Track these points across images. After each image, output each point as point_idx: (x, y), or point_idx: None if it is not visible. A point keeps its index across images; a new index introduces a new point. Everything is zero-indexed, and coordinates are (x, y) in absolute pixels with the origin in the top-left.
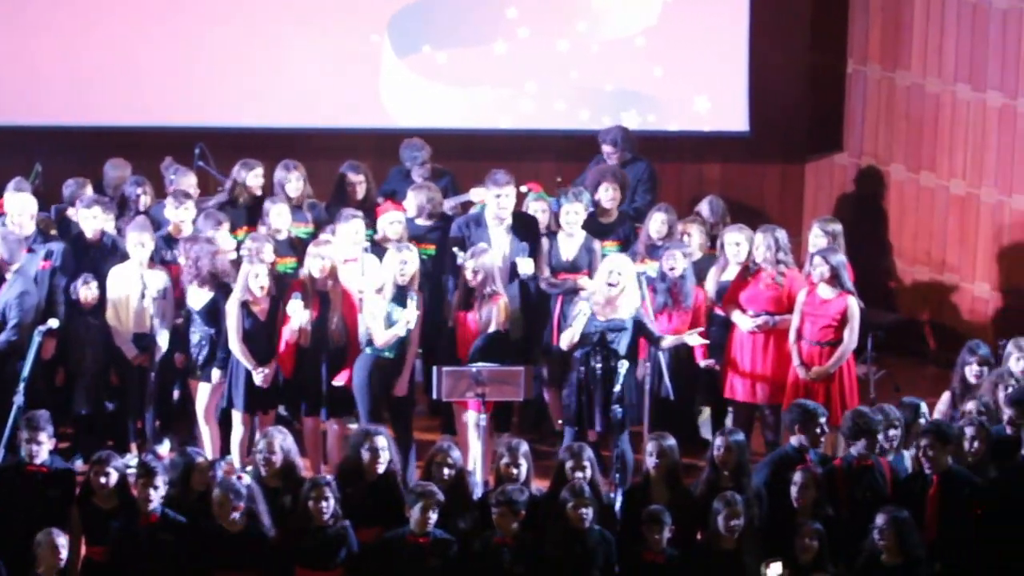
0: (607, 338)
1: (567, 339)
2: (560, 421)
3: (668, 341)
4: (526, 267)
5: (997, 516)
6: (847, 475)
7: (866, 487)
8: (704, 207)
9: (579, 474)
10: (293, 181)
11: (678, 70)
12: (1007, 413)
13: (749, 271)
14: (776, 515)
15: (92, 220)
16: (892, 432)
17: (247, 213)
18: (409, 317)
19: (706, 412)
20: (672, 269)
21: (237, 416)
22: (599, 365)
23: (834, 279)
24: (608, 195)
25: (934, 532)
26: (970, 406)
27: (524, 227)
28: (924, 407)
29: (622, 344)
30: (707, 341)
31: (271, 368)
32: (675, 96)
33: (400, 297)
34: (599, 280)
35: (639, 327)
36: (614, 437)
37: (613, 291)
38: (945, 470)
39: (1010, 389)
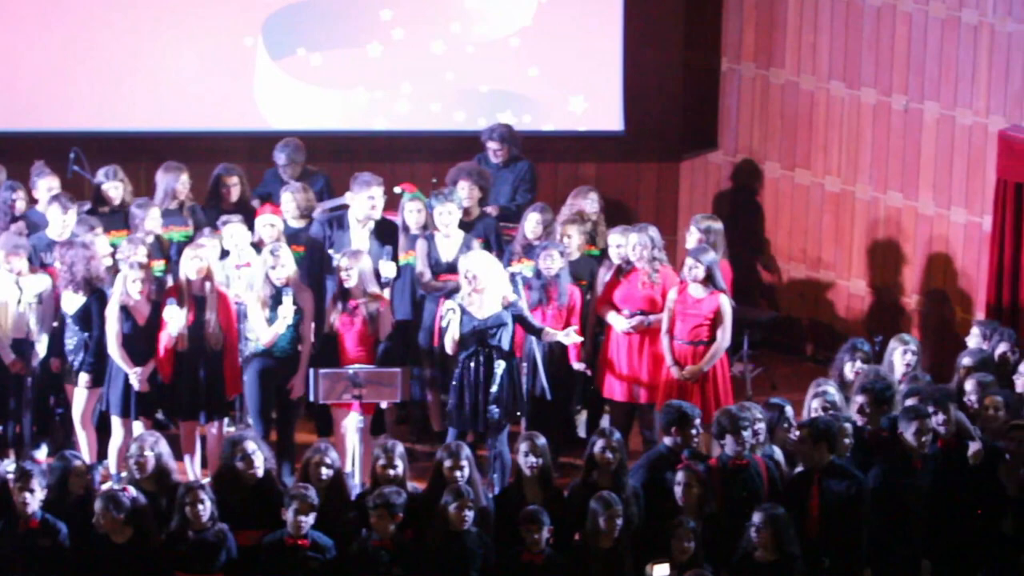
0: (487, 336)
1: (449, 343)
2: (441, 422)
3: (548, 335)
4: (388, 270)
5: (878, 509)
6: (723, 474)
7: (742, 486)
8: (583, 202)
9: (457, 473)
10: (182, 184)
11: (553, 70)
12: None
13: (623, 270)
14: (653, 515)
15: None
16: (757, 427)
17: (121, 217)
18: (286, 313)
19: (584, 412)
20: (548, 268)
21: (116, 421)
22: (479, 365)
23: (707, 279)
24: (466, 193)
25: (817, 528)
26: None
27: (385, 231)
28: (790, 409)
29: (504, 340)
30: (581, 339)
31: (146, 370)
32: (550, 96)
33: (275, 296)
34: (460, 283)
35: (519, 320)
36: (491, 437)
37: (477, 290)
38: (827, 465)
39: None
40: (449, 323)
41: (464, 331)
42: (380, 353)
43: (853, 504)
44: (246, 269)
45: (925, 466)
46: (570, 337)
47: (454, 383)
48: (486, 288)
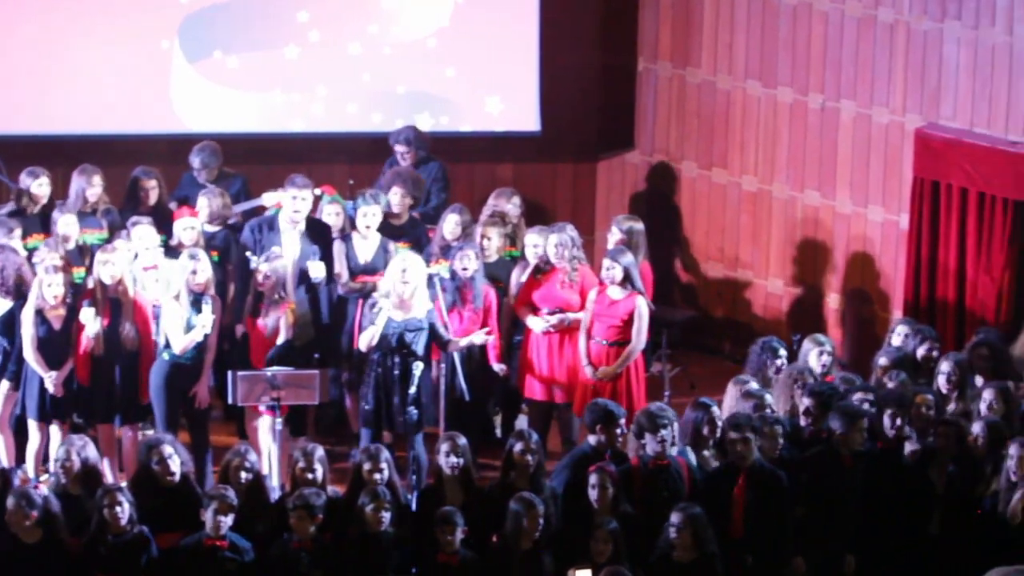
0: (405, 339)
1: (366, 339)
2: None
3: (456, 344)
4: (317, 271)
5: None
6: (644, 474)
7: (663, 486)
8: (505, 204)
9: (377, 476)
10: (94, 187)
11: (470, 71)
12: (805, 404)
13: (541, 270)
14: (573, 515)
15: None
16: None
17: (39, 221)
18: (205, 322)
19: (500, 413)
20: (464, 269)
21: (32, 425)
22: (396, 366)
23: (625, 280)
24: (397, 199)
25: (742, 527)
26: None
27: (316, 232)
28: (716, 409)
29: (420, 344)
30: (490, 338)
31: (61, 374)
32: (468, 97)
33: (195, 302)
34: (391, 279)
35: (431, 329)
36: (409, 438)
37: (406, 290)
38: (751, 464)
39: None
40: (378, 318)
41: (385, 331)
42: (274, 353)
43: (776, 501)
44: (153, 271)
45: (856, 464)
46: (480, 337)
47: (370, 384)
48: (416, 289)
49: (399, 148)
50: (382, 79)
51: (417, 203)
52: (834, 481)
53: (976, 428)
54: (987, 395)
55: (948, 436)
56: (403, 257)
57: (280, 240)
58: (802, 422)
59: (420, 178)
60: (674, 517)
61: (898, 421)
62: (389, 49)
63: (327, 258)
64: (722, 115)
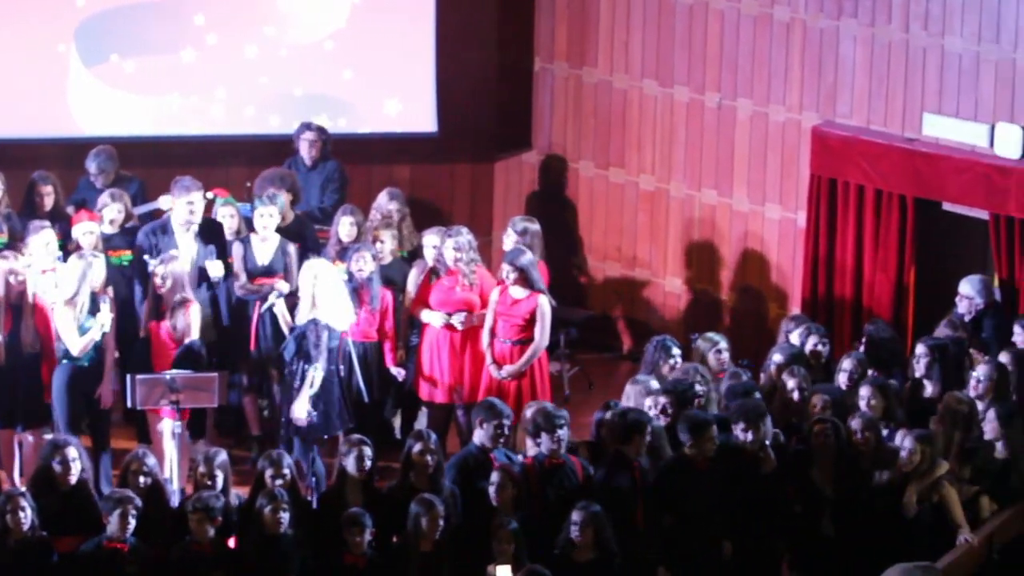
0: (306, 342)
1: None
2: (260, 427)
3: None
4: (215, 270)
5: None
6: (539, 473)
7: (558, 485)
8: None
9: (279, 480)
10: None
11: (368, 72)
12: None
13: (437, 273)
14: (471, 515)
15: None
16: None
17: None
18: (103, 321)
19: (399, 413)
20: (360, 271)
21: None
22: (299, 369)
23: (524, 281)
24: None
25: (643, 525)
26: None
27: (210, 232)
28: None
29: (324, 347)
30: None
31: None
32: (365, 98)
33: (92, 304)
34: (304, 284)
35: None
36: (309, 440)
37: (319, 293)
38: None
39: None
40: (274, 306)
41: (297, 334)
42: (177, 355)
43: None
44: (52, 275)
45: (713, 467)
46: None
47: (273, 387)
48: (327, 292)
49: (307, 135)
50: (280, 81)
51: (297, 197)
52: (690, 488)
53: (854, 424)
54: (864, 392)
55: (826, 435)
56: (315, 263)
57: (175, 243)
58: (661, 420)
59: (288, 173)
60: (575, 515)
61: (750, 436)
62: (286, 51)
63: (223, 257)
64: (619, 114)
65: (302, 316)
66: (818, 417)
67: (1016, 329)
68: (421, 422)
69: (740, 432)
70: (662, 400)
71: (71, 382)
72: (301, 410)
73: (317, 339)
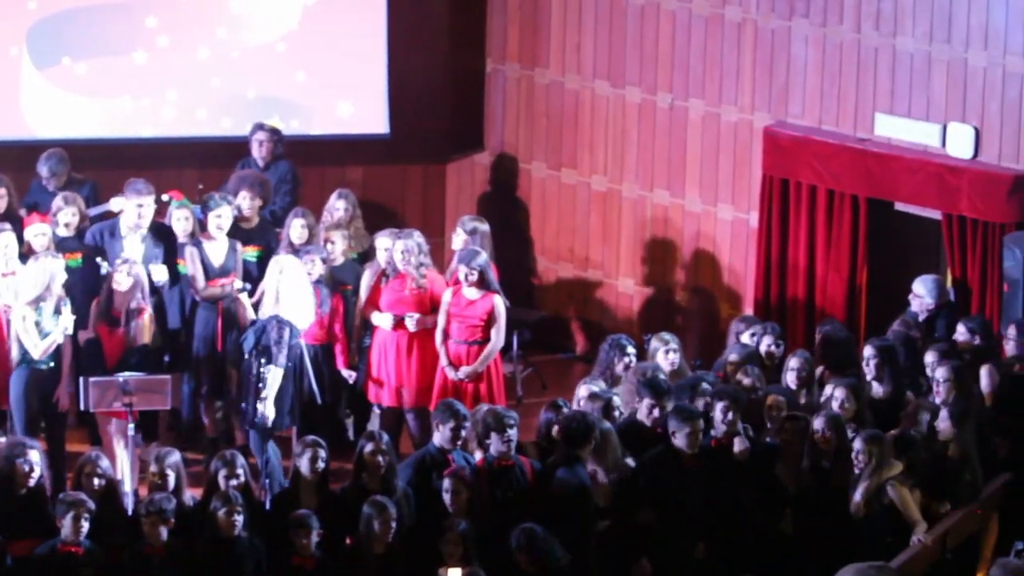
0: (266, 336)
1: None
2: (215, 428)
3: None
4: (159, 274)
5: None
6: (489, 475)
7: (508, 486)
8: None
9: (233, 482)
10: None
11: (320, 74)
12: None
13: (387, 275)
14: (427, 516)
15: None
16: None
17: None
18: (67, 323)
19: (351, 415)
20: (309, 274)
21: None
22: (257, 368)
23: (480, 282)
24: (247, 202)
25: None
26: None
27: (159, 235)
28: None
29: (285, 343)
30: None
31: None
32: (318, 100)
33: (54, 307)
34: (270, 278)
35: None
36: (262, 442)
37: (284, 290)
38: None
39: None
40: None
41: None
42: (136, 358)
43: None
44: (12, 278)
45: (697, 463)
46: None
47: (227, 388)
48: (291, 290)
49: (259, 136)
50: (232, 83)
51: (266, 203)
52: (675, 482)
53: (818, 423)
54: (838, 394)
55: (794, 432)
56: (281, 259)
57: (123, 246)
58: (647, 421)
59: (266, 179)
60: (513, 539)
61: (730, 415)
62: (238, 53)
63: (170, 262)
64: (571, 115)
65: (265, 311)
66: (790, 414)
67: (960, 328)
68: (374, 424)
69: (719, 412)
70: (648, 400)
71: (29, 385)
72: (270, 410)
73: (279, 335)
